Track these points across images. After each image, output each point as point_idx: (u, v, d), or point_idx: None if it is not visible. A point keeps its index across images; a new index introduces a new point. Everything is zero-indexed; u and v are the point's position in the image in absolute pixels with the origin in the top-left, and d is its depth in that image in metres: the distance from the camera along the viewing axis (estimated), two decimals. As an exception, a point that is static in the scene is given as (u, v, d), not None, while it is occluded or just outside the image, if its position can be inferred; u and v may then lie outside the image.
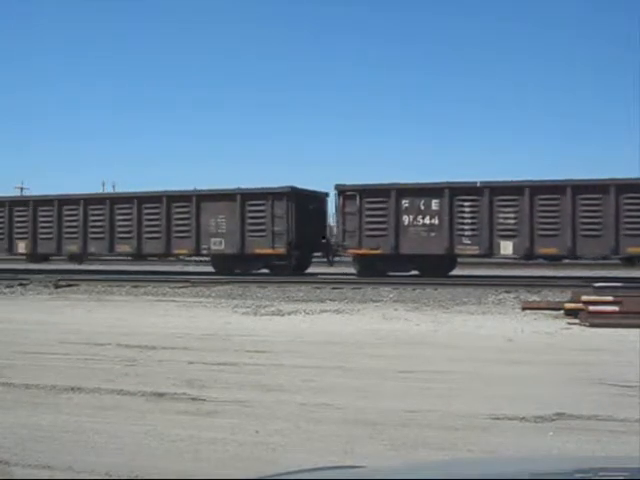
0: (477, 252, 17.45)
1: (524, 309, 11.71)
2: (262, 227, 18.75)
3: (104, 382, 6.39)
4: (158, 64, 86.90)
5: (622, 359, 7.27)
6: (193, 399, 5.75)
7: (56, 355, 7.92)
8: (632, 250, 16.34)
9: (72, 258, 22.47)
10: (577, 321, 10.27)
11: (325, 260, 20.09)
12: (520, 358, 7.57)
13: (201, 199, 19.37)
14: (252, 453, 4.40)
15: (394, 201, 17.59)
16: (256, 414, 5.26)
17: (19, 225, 21.59)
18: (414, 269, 17.97)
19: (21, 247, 21.72)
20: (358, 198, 17.93)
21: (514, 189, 17.01)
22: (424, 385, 6.21)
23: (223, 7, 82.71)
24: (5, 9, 70.33)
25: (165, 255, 21.15)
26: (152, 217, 19.88)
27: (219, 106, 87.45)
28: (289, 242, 18.50)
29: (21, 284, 17.28)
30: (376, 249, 17.85)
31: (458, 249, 17.41)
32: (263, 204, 18.78)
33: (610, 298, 10.60)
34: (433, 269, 17.38)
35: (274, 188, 18.79)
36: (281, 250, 18.55)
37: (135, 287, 16.40)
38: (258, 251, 18.72)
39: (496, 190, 17.07)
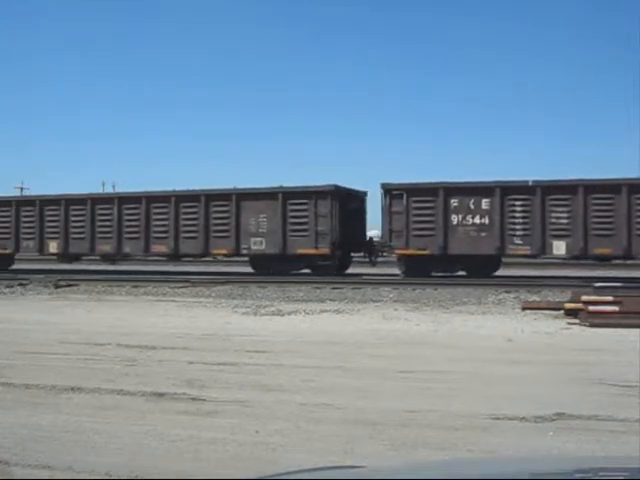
0: (529, 252, 17.14)
1: (524, 309, 11.71)
2: (305, 227, 18.36)
3: (104, 382, 6.39)
4: (158, 64, 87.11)
5: (622, 359, 7.28)
6: (193, 399, 5.75)
7: (56, 355, 7.92)
8: None
9: (105, 258, 22.05)
10: (577, 321, 10.28)
11: (367, 260, 19.70)
12: (520, 358, 7.57)
13: (241, 198, 18.95)
14: (252, 453, 4.40)
15: (442, 200, 17.28)
16: (256, 414, 5.26)
17: (50, 225, 21.08)
18: (461, 269, 17.76)
19: (52, 247, 21.15)
20: (405, 197, 17.64)
21: (567, 188, 16.72)
22: (424, 385, 6.21)
23: (223, 7, 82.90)
24: (5, 9, 70.54)
25: (203, 255, 20.57)
26: (190, 216, 19.45)
27: (219, 106, 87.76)
28: (333, 242, 18.12)
29: (21, 284, 17.28)
30: (424, 249, 17.52)
31: (509, 249, 17.14)
32: (306, 203, 18.39)
33: (610, 298, 10.60)
34: (481, 269, 17.26)
35: (317, 187, 18.45)
36: (324, 250, 18.16)
37: (135, 287, 16.40)
38: (300, 251, 18.32)
39: (548, 189, 16.80)
